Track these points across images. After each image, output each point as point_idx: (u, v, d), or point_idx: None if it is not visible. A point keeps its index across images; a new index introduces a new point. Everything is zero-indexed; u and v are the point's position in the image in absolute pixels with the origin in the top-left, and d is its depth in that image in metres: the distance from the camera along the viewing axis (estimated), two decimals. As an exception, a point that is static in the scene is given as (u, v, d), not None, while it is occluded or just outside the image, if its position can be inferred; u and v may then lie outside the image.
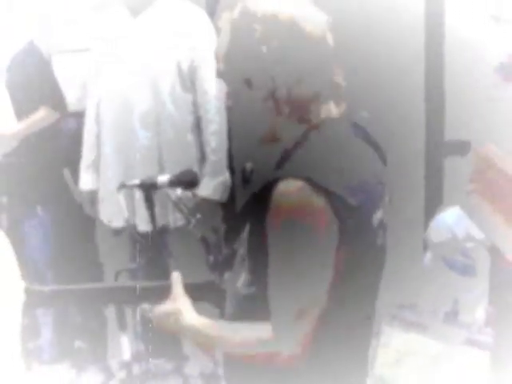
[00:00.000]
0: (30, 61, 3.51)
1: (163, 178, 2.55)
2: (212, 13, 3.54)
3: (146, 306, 2.02)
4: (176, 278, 1.90)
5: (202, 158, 3.42)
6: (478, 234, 3.48)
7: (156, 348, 3.35)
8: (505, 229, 2.34)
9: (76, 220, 3.63)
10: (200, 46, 3.33)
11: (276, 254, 1.70)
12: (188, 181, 2.59)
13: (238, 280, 1.83)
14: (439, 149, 3.97)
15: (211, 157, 3.38)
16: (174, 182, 2.54)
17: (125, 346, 3.02)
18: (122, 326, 2.97)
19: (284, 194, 1.67)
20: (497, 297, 2.81)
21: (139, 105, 3.33)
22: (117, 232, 3.44)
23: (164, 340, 3.42)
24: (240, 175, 2.21)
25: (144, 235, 2.96)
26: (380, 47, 3.84)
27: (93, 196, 3.53)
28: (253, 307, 1.78)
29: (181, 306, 1.87)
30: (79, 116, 3.56)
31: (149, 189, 2.56)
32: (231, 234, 1.97)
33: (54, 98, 3.57)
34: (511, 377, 2.62)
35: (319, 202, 1.67)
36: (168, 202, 3.03)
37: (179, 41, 3.32)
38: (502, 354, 2.74)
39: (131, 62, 3.33)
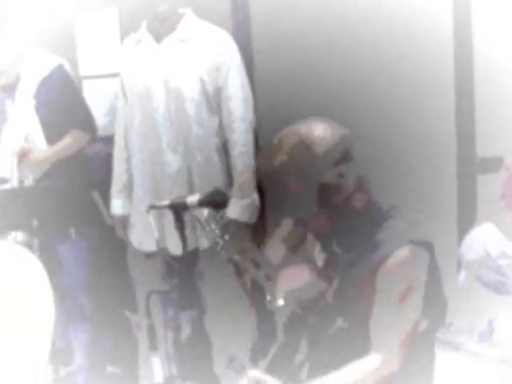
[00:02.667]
0: (60, 84, 3.54)
1: (193, 199, 2.54)
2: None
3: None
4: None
5: (230, 179, 3.41)
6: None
7: (187, 370, 3.34)
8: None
9: (108, 243, 3.64)
10: (224, 66, 3.34)
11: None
12: (217, 201, 2.58)
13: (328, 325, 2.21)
14: (472, 166, 3.92)
15: (238, 179, 3.38)
16: (204, 202, 2.52)
17: (156, 367, 3.00)
18: (153, 346, 2.96)
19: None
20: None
21: (165, 130, 3.34)
22: (148, 256, 3.44)
23: (195, 361, 3.42)
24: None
25: (175, 257, 2.96)
26: (408, 63, 3.82)
27: (124, 220, 3.55)
28: (346, 343, 2.18)
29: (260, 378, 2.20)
30: (107, 141, 3.59)
31: (178, 209, 2.54)
32: None
33: (84, 121, 3.59)
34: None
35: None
36: (196, 224, 3.05)
37: (202, 62, 3.33)
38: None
39: (156, 86, 3.35)
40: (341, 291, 2.23)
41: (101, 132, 3.66)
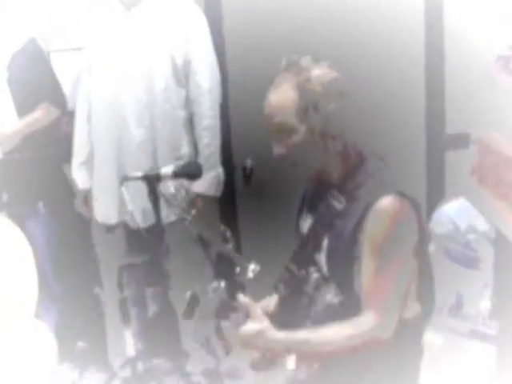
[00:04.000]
0: (31, 58, 3.48)
1: (167, 170, 2.51)
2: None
3: (252, 266, 2.21)
4: (244, 298, 2.10)
5: (196, 152, 3.40)
6: (480, 225, 3.48)
7: (156, 347, 3.34)
8: (510, 216, 2.33)
9: (76, 217, 3.61)
10: (194, 40, 3.31)
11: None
12: (192, 172, 2.57)
13: (327, 294, 2.18)
14: (440, 142, 3.96)
15: (204, 151, 3.36)
16: (179, 174, 2.50)
17: (128, 341, 3.01)
18: (126, 320, 2.96)
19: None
20: (501, 288, 2.79)
21: (132, 101, 3.31)
22: (110, 229, 3.41)
23: (163, 339, 3.42)
24: (241, 172, 2.26)
25: (146, 229, 2.93)
26: (379, 43, 3.83)
27: (85, 194, 3.51)
28: (342, 312, 2.13)
29: (265, 325, 2.07)
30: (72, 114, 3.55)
31: (152, 181, 2.53)
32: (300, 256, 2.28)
33: (54, 95, 3.54)
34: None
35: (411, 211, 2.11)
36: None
37: (173, 35, 3.29)
38: (507, 346, 2.72)
39: (124, 58, 3.30)
40: (331, 255, 2.19)
41: (72, 105, 3.62)
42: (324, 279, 2.20)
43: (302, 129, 2.12)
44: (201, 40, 3.34)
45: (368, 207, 2.09)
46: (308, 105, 2.10)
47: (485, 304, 3.44)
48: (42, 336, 1.05)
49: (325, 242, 2.19)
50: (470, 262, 3.49)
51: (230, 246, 2.31)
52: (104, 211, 3.44)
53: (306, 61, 2.15)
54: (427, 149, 4.02)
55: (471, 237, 3.47)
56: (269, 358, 2.18)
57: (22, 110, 3.47)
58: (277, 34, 3.79)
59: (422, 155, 4.03)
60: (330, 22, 3.80)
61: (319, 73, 2.13)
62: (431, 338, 3.26)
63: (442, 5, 3.82)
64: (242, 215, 4.17)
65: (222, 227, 2.37)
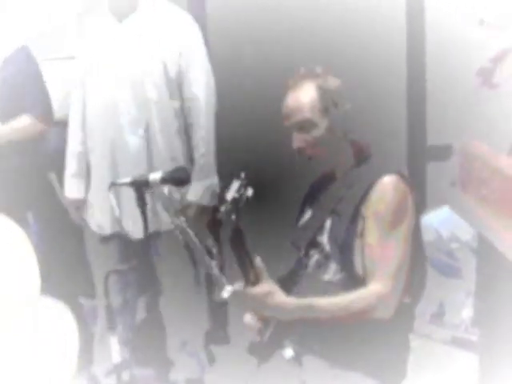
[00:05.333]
0: (21, 66, 3.45)
1: (155, 176, 2.54)
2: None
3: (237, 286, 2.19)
4: (260, 262, 2.16)
5: (191, 162, 3.41)
6: (463, 235, 3.52)
7: (141, 355, 3.33)
8: (495, 223, 2.37)
9: (67, 227, 3.59)
10: (188, 50, 3.32)
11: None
12: (180, 178, 2.59)
13: (325, 273, 2.33)
14: (421, 153, 4.00)
15: (200, 161, 3.38)
16: (166, 180, 2.53)
17: (114, 348, 3.00)
18: (111, 327, 2.96)
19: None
20: (483, 296, 2.81)
21: (126, 111, 3.32)
22: (104, 239, 3.41)
23: (149, 347, 3.41)
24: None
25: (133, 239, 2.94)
26: (361, 52, 3.87)
27: (78, 203, 3.50)
28: (340, 290, 2.25)
29: (273, 287, 2.16)
30: (64, 124, 3.53)
31: (140, 187, 2.54)
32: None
33: (39, 108, 3.49)
34: (499, 374, 2.62)
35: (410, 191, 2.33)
36: (158, 204, 3.08)
37: (165, 46, 3.31)
38: (489, 354, 2.74)
39: (117, 68, 3.31)
40: (334, 233, 2.33)
41: (59, 114, 3.60)
42: (325, 258, 2.35)
43: (323, 124, 2.35)
44: (195, 50, 3.34)
45: (371, 185, 2.29)
46: (328, 103, 2.35)
47: (467, 312, 3.47)
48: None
49: (327, 223, 2.37)
50: (452, 270, 3.53)
51: (213, 262, 2.34)
52: (99, 221, 3.43)
53: (320, 69, 2.42)
54: (408, 159, 4.06)
55: (454, 246, 3.51)
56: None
57: (5, 116, 3.45)
58: (262, 39, 3.83)
59: (404, 166, 4.06)
60: (313, 27, 3.84)
61: (332, 79, 2.41)
62: (413, 345, 3.29)
63: (423, 16, 3.87)
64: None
65: (210, 241, 2.41)
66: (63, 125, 3.56)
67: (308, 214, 2.49)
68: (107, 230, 3.37)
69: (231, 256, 2.17)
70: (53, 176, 3.46)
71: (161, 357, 3.57)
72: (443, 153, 3.88)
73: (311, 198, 2.54)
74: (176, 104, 3.36)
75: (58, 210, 3.55)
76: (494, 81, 3.58)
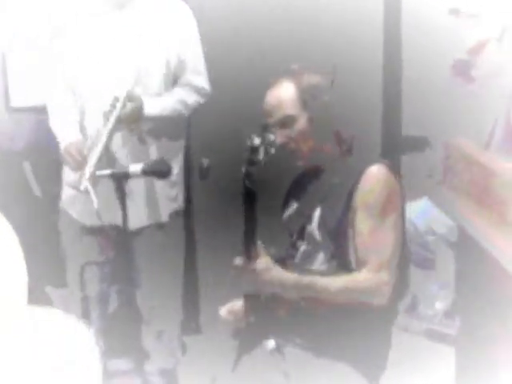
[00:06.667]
0: None
1: (136, 168, 2.51)
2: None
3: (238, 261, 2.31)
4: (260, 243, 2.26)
5: None
6: (439, 228, 3.54)
7: (116, 346, 3.30)
8: (477, 218, 2.38)
9: (39, 216, 3.53)
10: (186, 39, 3.24)
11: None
12: (161, 170, 2.56)
13: (311, 264, 2.39)
14: (396, 144, 4.00)
15: None
16: (147, 172, 2.51)
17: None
18: (87, 319, 2.93)
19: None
20: (462, 290, 2.83)
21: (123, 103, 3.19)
22: (88, 230, 3.30)
23: (124, 338, 3.39)
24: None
25: (113, 229, 2.89)
26: (337, 43, 3.85)
27: (78, 145, 3.16)
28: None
29: (271, 263, 2.27)
30: (39, 111, 3.45)
31: (120, 178, 2.51)
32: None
33: None
34: (476, 366, 2.64)
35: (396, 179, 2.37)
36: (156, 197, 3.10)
37: (165, 36, 3.20)
38: (467, 345, 2.76)
39: (116, 58, 3.18)
40: (324, 223, 2.37)
41: (32, 101, 3.52)
42: (314, 248, 2.41)
43: (304, 117, 2.40)
44: (193, 39, 3.29)
45: (359, 174, 2.33)
46: (306, 96, 2.40)
47: (441, 304, 3.49)
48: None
49: (316, 213, 2.41)
50: (426, 262, 3.55)
51: None
52: (84, 211, 3.31)
53: (297, 67, 2.48)
54: (383, 151, 4.06)
55: (429, 238, 3.52)
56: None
57: None
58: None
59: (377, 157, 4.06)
60: (293, 23, 3.82)
61: (309, 75, 2.47)
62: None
63: (400, 7, 3.85)
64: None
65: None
66: (37, 113, 3.49)
67: (294, 206, 2.53)
68: (93, 220, 3.28)
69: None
70: (27, 165, 3.39)
71: (136, 347, 3.54)
72: (419, 144, 3.92)
73: (297, 190, 2.56)
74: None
75: (30, 200, 3.49)
76: (471, 74, 3.61)
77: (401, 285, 2.40)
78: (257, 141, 2.23)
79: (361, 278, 2.29)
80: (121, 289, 3.38)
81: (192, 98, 3.26)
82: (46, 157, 3.45)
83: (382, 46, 3.90)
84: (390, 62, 3.92)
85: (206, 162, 3.36)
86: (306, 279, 2.30)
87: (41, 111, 3.42)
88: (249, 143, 2.24)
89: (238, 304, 2.56)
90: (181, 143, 3.42)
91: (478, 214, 2.38)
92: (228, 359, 2.52)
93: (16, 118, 3.58)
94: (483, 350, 2.54)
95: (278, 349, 2.36)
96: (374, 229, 2.30)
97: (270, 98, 2.45)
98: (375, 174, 2.34)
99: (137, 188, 3.01)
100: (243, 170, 2.18)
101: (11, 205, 3.47)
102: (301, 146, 2.42)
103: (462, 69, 3.59)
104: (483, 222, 2.33)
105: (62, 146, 3.16)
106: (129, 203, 2.62)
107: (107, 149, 2.98)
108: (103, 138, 2.92)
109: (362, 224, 2.31)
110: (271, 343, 2.35)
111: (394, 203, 2.35)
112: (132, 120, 3.05)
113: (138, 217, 3.13)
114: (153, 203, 3.26)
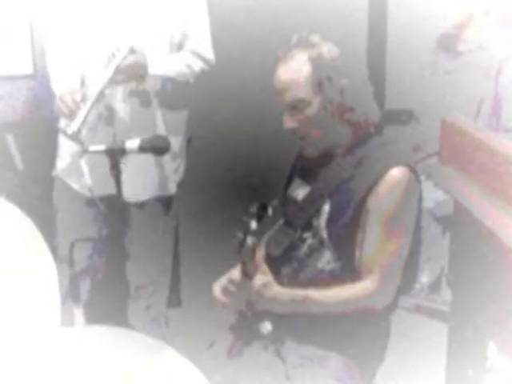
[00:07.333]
0: None
1: (133, 144, 2.43)
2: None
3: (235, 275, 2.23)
4: (260, 253, 2.11)
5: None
6: (426, 202, 3.53)
7: (102, 318, 3.26)
8: (476, 194, 2.37)
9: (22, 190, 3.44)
10: (191, 10, 3.16)
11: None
12: (158, 146, 2.49)
13: (318, 260, 2.24)
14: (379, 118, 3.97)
15: None
16: (145, 148, 2.43)
17: (78, 319, 2.93)
18: (76, 298, 2.88)
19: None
20: (456, 268, 2.83)
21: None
22: (90, 202, 3.13)
23: (110, 310, 3.35)
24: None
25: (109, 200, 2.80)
26: (321, 17, 3.81)
27: (73, 94, 3.04)
28: (335, 278, 2.21)
29: (271, 279, 2.16)
30: (26, 78, 3.34)
31: (115, 155, 2.43)
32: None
33: None
34: (468, 343, 2.65)
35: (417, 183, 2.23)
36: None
37: (170, 10, 3.11)
38: (460, 321, 2.77)
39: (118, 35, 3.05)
40: (333, 220, 2.22)
41: (21, 70, 3.40)
42: (320, 244, 2.25)
43: (317, 102, 2.18)
44: (199, 7, 3.20)
45: (379, 177, 2.16)
46: (322, 77, 2.16)
47: (426, 279, 3.51)
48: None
49: (326, 208, 2.23)
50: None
51: None
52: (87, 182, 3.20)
53: (315, 37, 2.22)
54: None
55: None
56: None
57: None
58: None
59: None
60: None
61: (328, 48, 2.20)
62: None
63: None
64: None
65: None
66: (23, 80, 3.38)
67: (304, 190, 2.35)
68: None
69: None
70: (10, 138, 3.29)
71: (121, 321, 3.50)
72: (402, 117, 3.90)
73: (304, 170, 2.39)
74: None
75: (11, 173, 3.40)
76: (458, 49, 3.60)
77: (407, 282, 2.30)
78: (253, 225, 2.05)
79: (364, 287, 2.18)
80: (111, 261, 3.32)
81: (197, 64, 3.17)
82: (31, 129, 3.35)
83: (366, 18, 3.86)
84: (375, 36, 3.88)
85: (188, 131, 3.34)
86: (302, 294, 2.18)
87: (23, 80, 3.33)
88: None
89: (231, 277, 2.38)
90: (185, 114, 3.33)
91: (478, 192, 2.36)
92: (208, 333, 2.49)
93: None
94: (476, 327, 2.54)
95: (274, 334, 2.27)
96: (385, 238, 2.16)
97: (282, 74, 2.21)
98: (395, 179, 2.16)
99: (134, 160, 2.89)
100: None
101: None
102: (310, 132, 2.23)
103: (448, 43, 3.57)
104: (484, 199, 2.32)
105: (58, 93, 3.07)
106: (126, 175, 2.54)
107: (103, 95, 2.91)
108: (100, 86, 2.84)
109: (374, 231, 2.17)
110: (266, 327, 2.26)
111: (410, 211, 2.22)
112: (133, 74, 2.96)
113: (134, 189, 3.08)
114: (152, 176, 3.21)
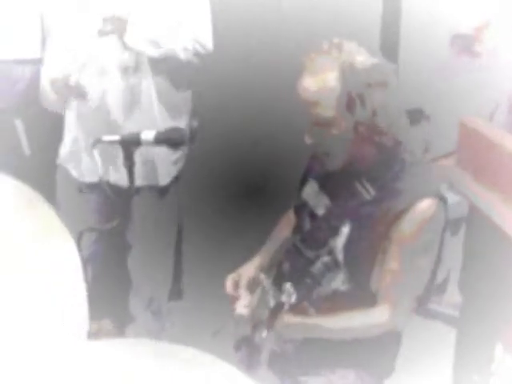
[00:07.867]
0: None
1: (148, 135, 2.37)
2: None
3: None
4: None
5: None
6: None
7: (102, 307, 3.23)
8: (493, 198, 2.34)
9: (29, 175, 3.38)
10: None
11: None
12: (175, 138, 2.44)
13: (332, 280, 2.15)
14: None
15: None
16: (161, 140, 2.38)
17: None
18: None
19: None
20: (469, 271, 2.80)
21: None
22: (88, 188, 3.20)
23: (111, 300, 3.33)
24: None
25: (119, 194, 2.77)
26: (336, 15, 3.77)
27: (66, 80, 3.10)
28: (347, 300, 2.16)
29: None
30: (35, 63, 3.29)
31: (130, 146, 2.38)
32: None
33: None
34: (478, 346, 2.63)
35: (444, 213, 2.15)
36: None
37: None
38: (470, 323, 2.74)
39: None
40: (353, 243, 2.15)
41: (30, 54, 3.34)
42: (335, 265, 2.15)
43: (346, 121, 2.05)
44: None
45: (407, 207, 2.08)
46: (353, 95, 2.01)
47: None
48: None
49: (345, 229, 2.13)
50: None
51: None
52: (85, 167, 3.20)
53: (349, 45, 2.07)
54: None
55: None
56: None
57: None
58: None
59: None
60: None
61: (362, 58, 2.04)
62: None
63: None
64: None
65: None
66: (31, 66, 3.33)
67: (323, 202, 2.24)
68: (92, 178, 3.15)
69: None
70: (18, 123, 3.23)
71: (122, 311, 3.47)
72: (413, 116, 3.86)
73: (321, 175, 2.28)
74: None
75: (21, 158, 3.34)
76: (475, 50, 3.56)
77: (423, 298, 2.29)
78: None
79: (379, 314, 2.15)
80: (112, 252, 3.29)
81: (194, 48, 3.11)
82: (40, 114, 3.30)
83: (380, 16, 3.83)
84: (388, 35, 3.86)
85: (195, 123, 3.28)
86: (313, 321, 2.16)
87: (32, 64, 3.28)
88: None
89: (244, 274, 2.39)
90: (187, 97, 3.28)
91: (495, 197, 2.33)
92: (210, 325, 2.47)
93: (4, 72, 3.40)
94: (486, 330, 2.52)
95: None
96: (406, 269, 2.12)
97: (310, 85, 2.04)
98: (424, 212, 2.10)
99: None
100: None
101: (2, 165, 3.36)
102: (334, 150, 2.10)
103: (465, 44, 3.54)
104: (502, 203, 2.28)
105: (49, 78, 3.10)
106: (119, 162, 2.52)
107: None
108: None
109: (393, 261, 2.11)
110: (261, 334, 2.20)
111: (433, 244, 2.17)
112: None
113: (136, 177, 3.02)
114: (153, 163, 3.19)
